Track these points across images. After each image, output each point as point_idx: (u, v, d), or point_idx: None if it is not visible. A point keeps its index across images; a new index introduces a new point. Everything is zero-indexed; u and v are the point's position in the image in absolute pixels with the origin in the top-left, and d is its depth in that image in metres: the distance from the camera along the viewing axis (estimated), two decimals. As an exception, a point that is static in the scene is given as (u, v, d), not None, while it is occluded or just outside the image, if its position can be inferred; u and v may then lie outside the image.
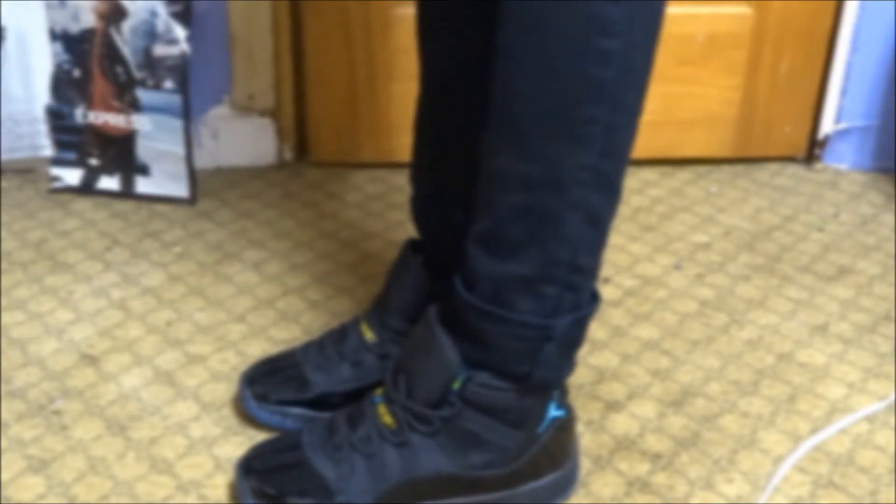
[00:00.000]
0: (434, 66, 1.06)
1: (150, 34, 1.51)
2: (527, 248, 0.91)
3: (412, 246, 1.12)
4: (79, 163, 1.58)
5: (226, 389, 1.19)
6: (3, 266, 1.40)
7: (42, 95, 1.57)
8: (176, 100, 1.53)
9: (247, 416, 1.14)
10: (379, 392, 1.01)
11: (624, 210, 1.58)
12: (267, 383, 1.12)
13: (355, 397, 1.06)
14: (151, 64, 1.52)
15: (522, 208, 0.90)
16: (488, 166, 0.91)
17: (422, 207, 1.12)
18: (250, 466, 1.01)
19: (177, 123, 1.54)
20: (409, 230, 1.50)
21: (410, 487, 0.99)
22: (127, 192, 1.58)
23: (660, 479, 1.08)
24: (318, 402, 1.11)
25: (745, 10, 1.61)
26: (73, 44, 1.53)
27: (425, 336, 0.97)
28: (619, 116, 0.87)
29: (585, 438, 1.13)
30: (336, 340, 1.14)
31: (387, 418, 0.99)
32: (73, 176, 1.58)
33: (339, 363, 1.12)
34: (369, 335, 1.12)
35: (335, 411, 1.05)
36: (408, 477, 0.98)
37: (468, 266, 0.95)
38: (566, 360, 0.99)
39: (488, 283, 0.93)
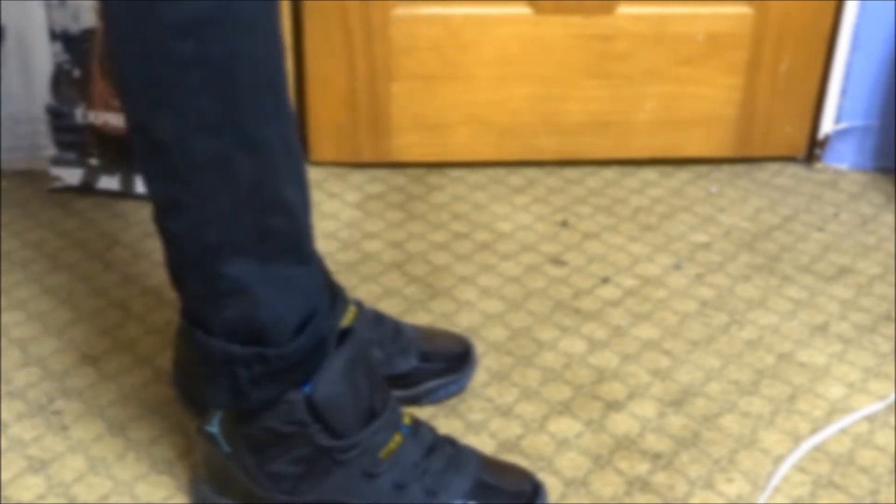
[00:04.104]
0: None
1: (150, 34, 1.51)
2: None
3: None
4: (79, 163, 1.58)
5: (226, 389, 1.19)
6: (3, 266, 1.40)
7: (42, 95, 1.56)
8: (176, 100, 1.52)
9: None
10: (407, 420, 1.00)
11: (624, 210, 1.58)
12: None
13: None
14: (151, 64, 1.52)
15: None
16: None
17: None
18: None
19: (177, 123, 1.53)
20: (409, 230, 1.50)
21: None
22: (127, 192, 1.57)
23: (660, 478, 1.08)
24: None
25: (745, 10, 1.60)
26: (73, 44, 1.53)
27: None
28: None
29: (585, 438, 1.13)
30: None
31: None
32: (73, 176, 1.58)
33: None
34: None
35: None
36: None
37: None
38: None
39: None
